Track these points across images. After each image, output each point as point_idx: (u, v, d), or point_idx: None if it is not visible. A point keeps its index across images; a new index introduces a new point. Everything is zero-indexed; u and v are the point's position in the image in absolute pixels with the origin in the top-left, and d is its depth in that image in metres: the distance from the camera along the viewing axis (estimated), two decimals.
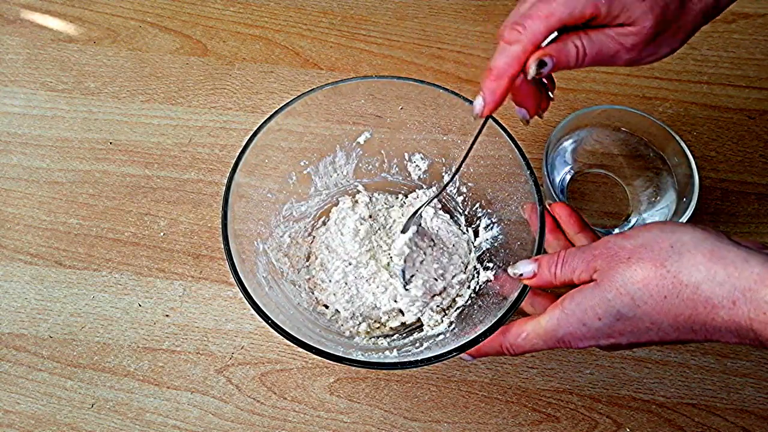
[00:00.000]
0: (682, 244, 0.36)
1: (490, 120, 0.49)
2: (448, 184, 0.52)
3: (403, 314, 0.55)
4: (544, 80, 0.47)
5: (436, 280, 0.54)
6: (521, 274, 0.43)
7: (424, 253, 0.55)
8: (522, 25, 0.40)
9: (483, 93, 0.42)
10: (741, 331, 0.34)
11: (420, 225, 0.55)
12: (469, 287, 0.56)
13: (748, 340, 0.34)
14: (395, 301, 0.54)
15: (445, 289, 0.55)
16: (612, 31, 0.41)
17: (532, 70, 0.40)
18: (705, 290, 0.34)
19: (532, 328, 0.41)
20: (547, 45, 0.40)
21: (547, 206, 0.50)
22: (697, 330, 0.36)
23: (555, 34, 0.40)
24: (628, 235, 0.38)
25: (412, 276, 0.54)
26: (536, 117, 0.47)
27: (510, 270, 0.44)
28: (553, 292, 0.46)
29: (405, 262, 0.53)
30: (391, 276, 0.55)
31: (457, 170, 0.49)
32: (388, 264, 0.57)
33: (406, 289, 0.54)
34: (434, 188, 0.60)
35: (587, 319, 0.38)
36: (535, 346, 0.41)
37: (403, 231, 0.54)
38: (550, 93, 0.47)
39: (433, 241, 0.56)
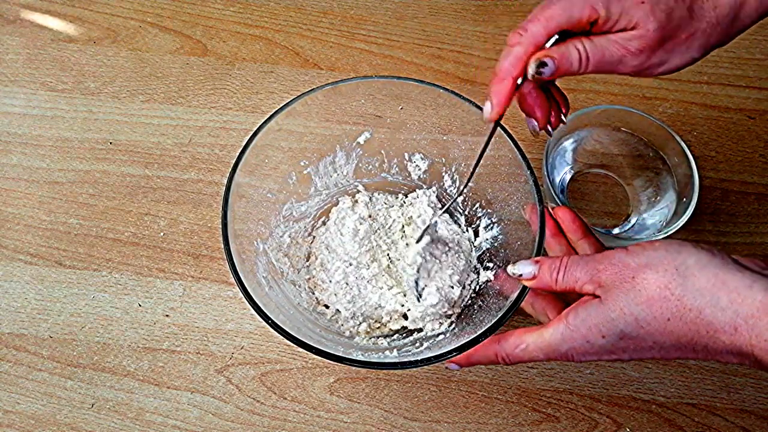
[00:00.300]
0: (686, 267, 0.36)
1: (489, 98, 0.49)
2: (460, 194, 0.51)
3: (406, 318, 0.55)
4: (555, 96, 0.47)
5: (452, 287, 0.52)
6: (521, 275, 0.43)
7: (439, 261, 0.54)
8: (524, 28, 0.41)
9: (490, 97, 0.43)
10: (742, 355, 0.35)
11: (435, 231, 0.54)
12: (469, 287, 0.56)
13: (748, 362, 0.35)
14: (402, 305, 0.54)
15: (460, 295, 0.54)
16: (615, 36, 0.40)
17: (531, 69, 0.40)
18: (707, 315, 0.35)
19: (533, 340, 0.41)
20: (550, 47, 0.41)
21: (550, 210, 0.50)
22: (698, 351, 0.36)
23: (556, 37, 0.41)
24: (633, 252, 0.38)
25: (425, 286, 0.53)
26: (543, 132, 0.47)
27: (510, 269, 0.43)
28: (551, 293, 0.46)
29: (419, 272, 0.53)
30: (398, 284, 0.55)
31: (469, 179, 0.49)
32: (388, 266, 0.57)
33: (419, 301, 0.53)
34: (434, 188, 0.60)
35: (591, 337, 0.38)
36: (534, 357, 0.41)
37: (417, 241, 0.53)
38: (563, 116, 0.47)
39: (448, 245, 0.54)
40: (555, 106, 0.47)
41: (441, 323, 0.54)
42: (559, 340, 0.39)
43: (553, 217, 0.50)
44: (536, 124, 0.45)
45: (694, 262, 0.36)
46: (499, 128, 0.49)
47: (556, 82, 0.48)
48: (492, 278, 0.53)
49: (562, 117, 0.47)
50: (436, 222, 0.55)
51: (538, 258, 0.43)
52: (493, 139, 0.50)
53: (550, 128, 0.47)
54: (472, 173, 0.48)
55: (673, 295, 0.36)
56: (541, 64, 0.40)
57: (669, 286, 0.36)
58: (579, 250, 0.49)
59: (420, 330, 0.55)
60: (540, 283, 0.42)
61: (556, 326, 0.40)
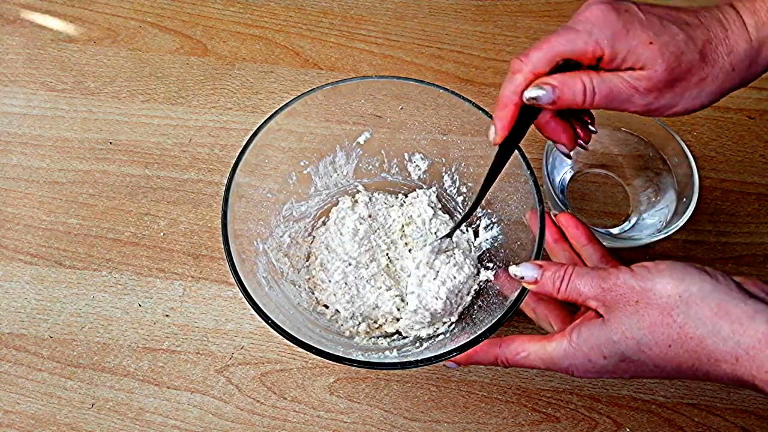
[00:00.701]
0: (689, 295, 0.36)
1: (493, 123, 0.50)
2: (473, 209, 0.51)
3: (398, 321, 0.55)
4: (582, 115, 0.47)
5: (436, 299, 0.52)
6: (522, 277, 0.42)
7: (435, 272, 0.53)
8: (526, 55, 0.41)
9: (494, 122, 0.43)
10: (743, 383, 0.35)
11: (451, 243, 0.55)
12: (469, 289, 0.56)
13: (749, 389, 0.35)
14: (398, 309, 0.54)
15: (451, 308, 0.54)
16: (624, 74, 0.40)
17: (526, 93, 0.41)
18: (709, 344, 0.35)
19: (535, 350, 0.41)
20: (551, 75, 0.41)
21: (552, 216, 0.50)
22: (699, 376, 0.37)
23: (558, 65, 0.41)
24: (639, 275, 0.38)
25: (411, 292, 0.53)
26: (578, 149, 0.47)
27: (512, 270, 0.43)
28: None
29: (410, 276, 0.54)
30: (396, 284, 0.56)
31: (479, 200, 0.49)
32: (387, 266, 0.57)
33: (404, 303, 0.54)
34: (434, 188, 0.60)
35: (592, 356, 0.39)
36: (533, 366, 0.42)
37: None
38: (591, 126, 0.46)
39: (454, 257, 0.54)
40: (580, 123, 0.46)
41: (438, 327, 0.54)
42: (561, 356, 0.40)
43: (555, 224, 0.50)
44: (564, 148, 0.45)
45: (697, 290, 0.36)
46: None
47: None
48: (492, 278, 0.53)
49: (590, 127, 0.46)
50: (449, 237, 0.55)
51: (541, 262, 0.42)
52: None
53: (583, 144, 0.46)
54: (483, 194, 0.48)
55: (675, 323, 0.36)
56: (538, 90, 0.40)
57: (672, 313, 0.36)
58: (583, 256, 0.48)
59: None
60: (541, 288, 0.42)
61: (560, 342, 0.40)
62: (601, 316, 0.39)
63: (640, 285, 0.38)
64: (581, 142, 0.46)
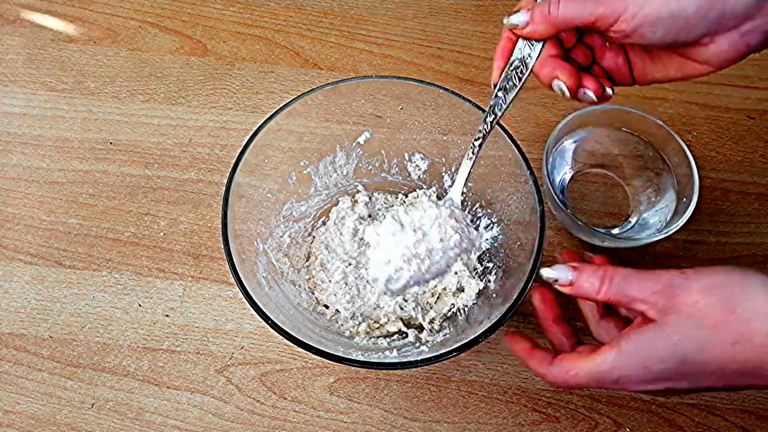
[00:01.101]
0: (754, 292, 0.35)
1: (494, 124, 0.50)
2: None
3: (403, 321, 0.54)
4: (597, 73, 0.45)
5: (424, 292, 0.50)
6: (556, 280, 0.40)
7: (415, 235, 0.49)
8: None
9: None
10: None
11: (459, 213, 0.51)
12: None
13: None
14: (401, 308, 0.54)
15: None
16: None
17: (505, 20, 0.43)
18: None
19: (582, 366, 0.39)
20: None
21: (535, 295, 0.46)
22: (764, 376, 0.35)
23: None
24: (690, 277, 0.37)
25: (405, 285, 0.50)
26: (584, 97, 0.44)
27: (543, 272, 0.41)
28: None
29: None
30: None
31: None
32: None
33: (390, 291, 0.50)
34: (434, 188, 0.60)
35: (649, 362, 0.36)
36: (583, 384, 0.39)
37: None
38: (608, 89, 0.44)
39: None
40: (592, 77, 0.44)
41: (436, 327, 0.54)
42: (609, 368, 0.37)
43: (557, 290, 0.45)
44: (563, 85, 0.42)
45: (760, 284, 0.35)
46: (499, 129, 0.49)
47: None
48: (492, 281, 0.53)
49: (608, 90, 0.44)
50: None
51: (576, 264, 0.40)
52: (492, 139, 0.51)
53: (591, 94, 0.43)
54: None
55: (739, 318, 0.34)
56: (516, 14, 0.42)
57: (735, 309, 0.35)
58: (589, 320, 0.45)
59: (421, 330, 0.55)
60: (578, 290, 0.39)
61: (608, 353, 0.38)
62: (650, 320, 0.37)
63: (697, 285, 0.36)
64: (589, 92, 0.43)
